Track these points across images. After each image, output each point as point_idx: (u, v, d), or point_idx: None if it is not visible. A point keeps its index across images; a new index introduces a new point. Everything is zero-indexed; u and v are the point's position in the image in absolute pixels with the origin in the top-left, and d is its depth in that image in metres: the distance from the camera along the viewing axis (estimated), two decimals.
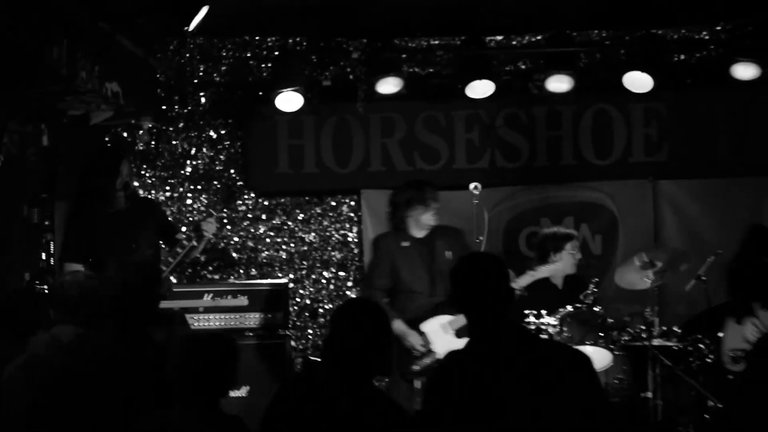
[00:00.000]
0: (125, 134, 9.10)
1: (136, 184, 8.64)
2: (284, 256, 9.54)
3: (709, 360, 7.75)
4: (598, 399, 3.91)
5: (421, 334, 7.28)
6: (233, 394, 6.18)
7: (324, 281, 9.54)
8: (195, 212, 9.41)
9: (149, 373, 5.01)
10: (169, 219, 7.53)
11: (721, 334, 7.44)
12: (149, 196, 8.94)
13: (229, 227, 9.48)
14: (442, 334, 7.24)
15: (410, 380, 7.28)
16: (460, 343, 6.97)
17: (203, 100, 9.44)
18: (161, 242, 7.26)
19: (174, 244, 7.20)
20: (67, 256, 7.02)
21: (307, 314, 9.09)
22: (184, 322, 7.11)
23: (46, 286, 6.80)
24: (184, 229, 7.37)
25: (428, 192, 7.39)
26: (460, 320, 7.12)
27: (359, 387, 4.09)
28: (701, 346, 7.74)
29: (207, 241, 7.11)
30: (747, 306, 7.04)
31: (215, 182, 9.47)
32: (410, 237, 7.43)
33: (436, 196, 7.43)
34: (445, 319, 7.28)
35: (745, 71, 8.81)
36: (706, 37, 9.28)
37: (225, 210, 9.26)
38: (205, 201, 9.46)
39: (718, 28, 9.20)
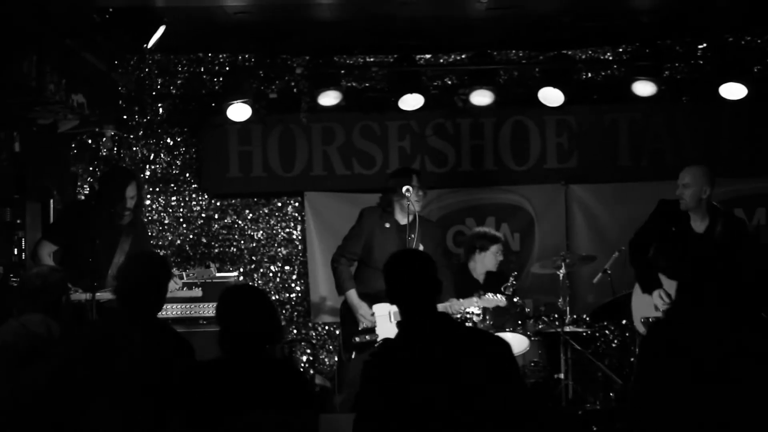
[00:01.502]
0: (90, 141, 8.99)
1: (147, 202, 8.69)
2: (235, 252, 9.48)
3: (614, 344, 7.84)
4: (516, 381, 3.93)
5: (372, 314, 7.24)
6: None
7: (271, 275, 9.49)
8: (154, 212, 9.33)
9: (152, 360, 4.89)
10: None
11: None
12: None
13: (184, 225, 9.40)
14: (386, 321, 7.21)
15: (349, 350, 7.23)
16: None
17: (161, 110, 9.36)
18: None
19: None
20: (48, 236, 7.04)
21: None
22: None
23: (17, 279, 6.71)
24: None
25: (414, 179, 7.32)
26: None
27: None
28: (607, 332, 7.84)
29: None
30: (653, 277, 6.98)
31: (172, 185, 9.39)
32: (393, 221, 7.35)
33: (422, 185, 7.36)
34: (394, 308, 7.21)
35: (644, 88, 8.89)
36: (610, 58, 9.36)
37: (181, 210, 9.13)
38: (163, 202, 9.37)
39: (620, 49, 9.30)
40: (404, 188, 7.39)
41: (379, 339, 7.13)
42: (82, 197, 8.82)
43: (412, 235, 7.43)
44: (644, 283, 6.99)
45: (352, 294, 7.22)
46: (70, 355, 4.53)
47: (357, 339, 7.20)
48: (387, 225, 7.30)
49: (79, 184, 9.03)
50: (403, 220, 7.33)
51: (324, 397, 7.36)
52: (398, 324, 4.02)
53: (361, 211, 7.63)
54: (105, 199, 6.96)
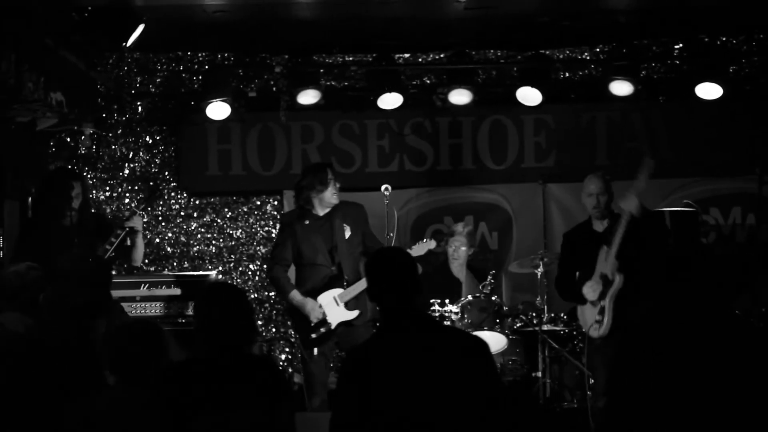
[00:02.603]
0: (68, 139, 8.97)
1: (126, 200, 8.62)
2: (214, 250, 9.48)
3: None
4: (493, 379, 3.95)
5: (319, 305, 7.25)
6: None
7: (250, 273, 9.50)
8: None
9: (88, 359, 4.92)
10: (104, 218, 7.37)
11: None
12: (100, 213, 8.75)
13: (163, 224, 9.39)
14: (334, 306, 7.20)
15: (309, 347, 7.26)
16: (350, 314, 7.06)
17: (140, 108, 9.36)
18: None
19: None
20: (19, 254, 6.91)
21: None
22: (122, 311, 7.02)
23: None
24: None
25: (329, 173, 7.30)
26: (350, 293, 7.15)
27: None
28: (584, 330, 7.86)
29: (139, 234, 6.98)
30: (578, 287, 6.90)
31: (151, 183, 9.37)
32: (312, 215, 7.34)
33: (335, 176, 7.34)
34: (336, 292, 7.21)
35: (621, 88, 8.94)
36: (588, 58, 9.42)
37: (149, 208, 9.04)
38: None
39: (598, 49, 9.36)
40: (383, 187, 7.52)
41: (333, 326, 7.17)
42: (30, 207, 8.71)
43: (391, 234, 7.48)
44: (578, 298, 6.96)
45: (295, 294, 7.25)
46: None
47: (314, 335, 7.22)
48: (306, 222, 7.31)
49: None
50: (322, 211, 7.32)
51: (302, 396, 7.36)
52: (380, 321, 4.04)
53: (280, 217, 7.68)
54: (48, 200, 6.87)
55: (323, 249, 7.28)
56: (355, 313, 7.17)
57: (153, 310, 7.51)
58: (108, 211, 9.08)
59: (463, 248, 8.28)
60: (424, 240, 7.53)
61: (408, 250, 6.96)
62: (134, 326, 4.60)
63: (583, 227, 7.10)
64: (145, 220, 7.04)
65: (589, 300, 6.82)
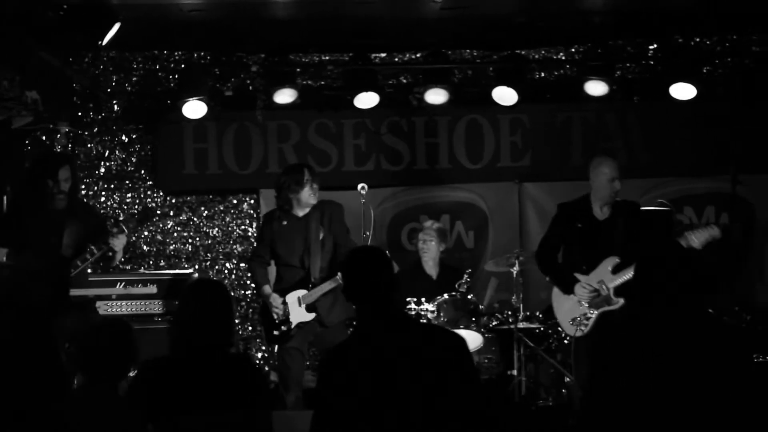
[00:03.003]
0: (44, 138, 8.92)
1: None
2: (190, 249, 9.46)
3: (566, 341, 7.91)
4: (472, 376, 3.97)
5: (283, 301, 7.28)
6: None
7: (226, 272, 9.49)
8: (108, 209, 9.30)
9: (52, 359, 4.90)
10: (102, 224, 7.31)
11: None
12: (88, 202, 8.70)
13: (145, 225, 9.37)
14: (296, 307, 7.25)
15: (270, 344, 7.29)
16: (307, 316, 7.11)
17: (116, 107, 9.33)
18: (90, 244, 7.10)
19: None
20: None
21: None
22: (93, 310, 7.01)
23: None
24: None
25: (306, 174, 7.32)
26: (313, 295, 7.19)
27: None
28: (560, 329, 7.89)
29: (114, 254, 6.93)
30: (570, 276, 7.04)
31: (127, 182, 9.37)
32: (291, 216, 7.35)
33: (314, 177, 7.35)
34: (301, 292, 7.27)
35: (595, 88, 8.99)
36: (563, 58, 9.44)
37: (139, 227, 9.00)
38: (118, 199, 9.34)
39: (573, 50, 9.39)
40: (359, 186, 7.55)
41: (293, 325, 7.21)
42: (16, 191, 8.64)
43: (368, 233, 7.49)
44: (563, 285, 7.07)
45: (265, 288, 7.33)
46: None
47: (275, 332, 7.27)
48: (285, 222, 7.35)
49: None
50: (301, 212, 7.35)
51: (277, 394, 7.38)
52: (357, 320, 4.04)
53: (263, 216, 7.73)
54: (38, 183, 6.73)
55: (299, 250, 7.31)
56: (311, 316, 7.22)
57: (129, 309, 7.49)
58: None
59: (432, 242, 8.27)
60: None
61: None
62: (103, 326, 4.56)
63: (582, 205, 7.12)
64: (132, 239, 6.98)
65: (578, 299, 6.91)
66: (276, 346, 7.41)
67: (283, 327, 7.23)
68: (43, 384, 4.59)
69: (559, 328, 7.79)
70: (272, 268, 7.57)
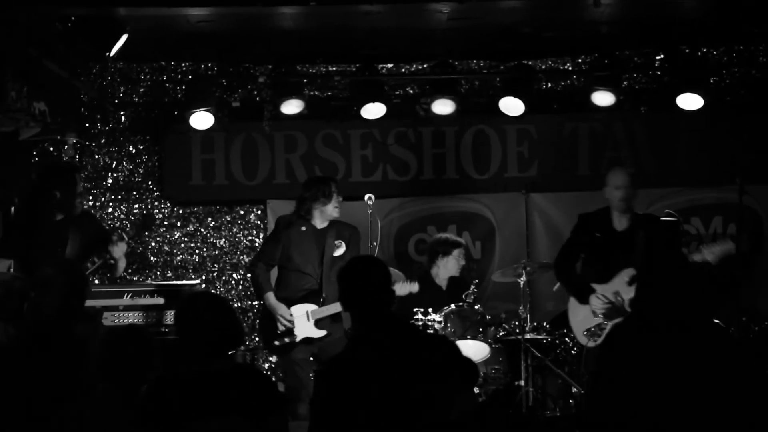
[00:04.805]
0: (51, 149, 8.94)
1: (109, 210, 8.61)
2: (197, 260, 9.46)
3: (573, 352, 7.89)
4: (468, 384, 3.98)
5: (291, 314, 7.25)
6: None
7: (233, 282, 9.49)
8: (116, 219, 9.31)
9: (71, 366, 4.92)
10: (105, 233, 7.34)
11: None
12: (89, 211, 8.72)
13: (147, 233, 9.36)
14: (304, 321, 7.23)
15: (272, 350, 7.22)
16: (318, 332, 7.08)
17: (123, 118, 9.35)
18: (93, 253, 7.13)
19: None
20: (1, 252, 6.89)
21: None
22: (99, 322, 7.01)
23: None
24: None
25: (333, 186, 7.37)
26: (323, 312, 7.18)
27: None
28: (567, 339, 7.89)
29: (115, 262, 6.96)
30: (586, 286, 7.06)
31: (134, 193, 9.38)
32: (310, 225, 7.38)
33: (339, 190, 7.40)
34: (310, 307, 7.24)
35: (603, 98, 8.99)
36: (570, 68, 9.45)
37: (141, 236, 8.99)
38: (125, 210, 9.35)
39: (580, 60, 9.40)
40: (366, 197, 7.51)
41: (297, 339, 7.17)
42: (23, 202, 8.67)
43: (374, 243, 7.49)
44: (579, 294, 7.10)
45: (270, 296, 7.27)
46: None
47: (277, 342, 7.23)
48: (303, 228, 7.34)
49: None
50: (320, 224, 7.37)
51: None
52: (352, 328, 4.04)
53: (277, 219, 7.70)
54: (60, 195, 6.87)
55: (314, 259, 7.31)
56: (322, 333, 7.20)
57: (136, 320, 7.48)
58: None
59: (463, 263, 8.36)
60: (407, 281, 7.53)
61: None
62: (128, 332, 4.66)
63: (602, 217, 7.16)
64: (131, 246, 7.00)
65: (593, 311, 6.91)
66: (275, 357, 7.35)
67: (285, 338, 7.20)
68: (65, 390, 4.63)
69: (567, 339, 7.78)
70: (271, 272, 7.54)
